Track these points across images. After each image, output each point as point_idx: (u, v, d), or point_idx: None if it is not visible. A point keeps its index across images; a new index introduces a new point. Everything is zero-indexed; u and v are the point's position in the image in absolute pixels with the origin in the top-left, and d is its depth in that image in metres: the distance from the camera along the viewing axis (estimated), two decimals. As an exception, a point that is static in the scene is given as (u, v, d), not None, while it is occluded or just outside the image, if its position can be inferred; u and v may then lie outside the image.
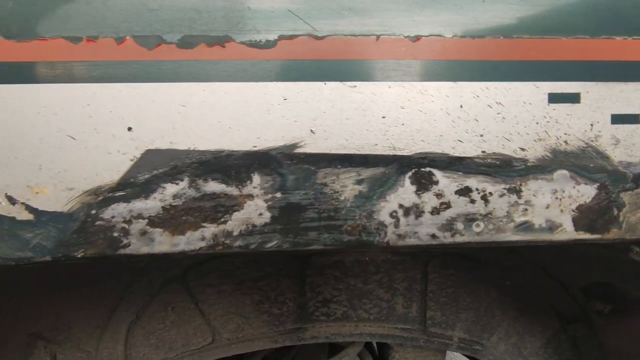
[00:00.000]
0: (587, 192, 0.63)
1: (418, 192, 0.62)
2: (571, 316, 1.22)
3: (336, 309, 1.13)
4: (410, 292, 1.17)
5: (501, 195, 0.62)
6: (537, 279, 1.20)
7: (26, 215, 0.60)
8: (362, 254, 1.14)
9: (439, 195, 0.62)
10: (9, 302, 0.98)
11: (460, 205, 0.62)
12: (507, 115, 0.61)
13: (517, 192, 0.62)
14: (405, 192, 0.62)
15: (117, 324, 1.03)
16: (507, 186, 0.62)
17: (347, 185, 0.61)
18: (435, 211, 0.62)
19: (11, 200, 0.60)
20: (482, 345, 1.22)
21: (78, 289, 1.01)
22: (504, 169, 0.61)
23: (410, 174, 0.62)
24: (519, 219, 0.62)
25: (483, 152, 0.61)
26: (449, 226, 0.62)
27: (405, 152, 0.61)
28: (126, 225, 0.60)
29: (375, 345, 1.53)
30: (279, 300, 1.07)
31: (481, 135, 0.61)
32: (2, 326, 1.01)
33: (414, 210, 0.62)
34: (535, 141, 0.62)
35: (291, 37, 0.61)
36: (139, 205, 0.60)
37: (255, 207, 0.61)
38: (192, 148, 0.60)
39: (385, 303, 1.16)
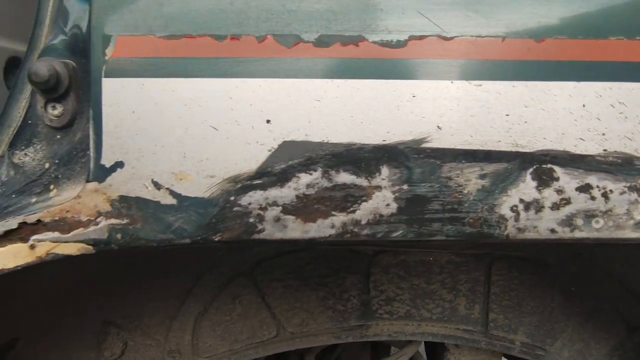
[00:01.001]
0: None
1: (539, 188, 0.64)
2: (639, 324, 1.22)
3: (399, 308, 1.15)
4: (473, 293, 1.18)
5: (622, 193, 0.64)
6: (604, 285, 1.20)
7: (170, 200, 0.65)
8: (427, 254, 1.16)
9: (559, 191, 0.64)
10: (85, 290, 1.03)
11: (580, 202, 0.64)
12: (629, 115, 0.63)
13: (638, 190, 0.64)
14: (526, 188, 0.64)
15: (185, 315, 1.07)
16: (628, 184, 0.64)
17: (470, 180, 0.64)
18: (555, 207, 0.64)
19: (157, 185, 0.65)
20: (545, 350, 1.22)
21: (150, 279, 1.05)
22: (625, 167, 0.63)
23: (531, 170, 0.64)
24: (638, 216, 0.64)
25: (604, 150, 0.64)
26: (568, 222, 0.64)
27: (527, 149, 0.64)
28: (261, 212, 0.64)
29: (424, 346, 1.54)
30: (343, 297, 1.09)
31: (603, 134, 0.63)
32: (78, 313, 1.06)
33: (534, 205, 0.64)
34: (657, 141, 0.64)
35: (421, 37, 0.64)
36: (274, 193, 0.64)
37: (382, 198, 0.64)
38: (325, 141, 0.64)
39: (447, 304, 1.17)
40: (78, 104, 0.72)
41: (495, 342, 1.19)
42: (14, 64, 1.41)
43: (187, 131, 0.64)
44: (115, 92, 0.64)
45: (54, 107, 0.73)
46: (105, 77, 0.65)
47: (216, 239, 0.65)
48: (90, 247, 0.66)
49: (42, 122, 0.74)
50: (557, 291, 1.19)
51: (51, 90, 0.70)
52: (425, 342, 1.41)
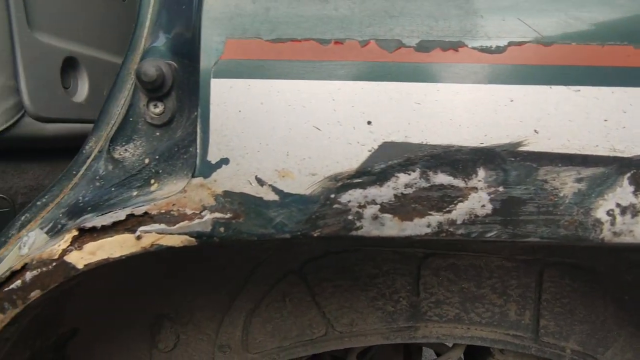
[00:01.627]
0: None
1: (636, 193, 0.65)
2: (694, 335, 1.20)
3: (449, 311, 1.16)
4: (524, 299, 1.18)
5: None
6: (659, 296, 1.18)
7: (272, 196, 0.68)
8: (477, 258, 1.16)
9: (657, 196, 0.65)
10: (140, 283, 1.07)
11: (677, 207, 0.65)
12: None
13: None
14: (623, 192, 0.65)
15: (237, 311, 1.10)
16: None
17: (566, 183, 0.65)
18: (652, 211, 0.65)
19: (260, 182, 0.68)
20: (595, 359, 1.21)
21: (204, 275, 1.08)
22: None
23: (629, 174, 0.65)
24: None
25: (703, 157, 0.64)
26: (665, 227, 0.65)
27: (625, 154, 0.65)
28: (360, 210, 0.67)
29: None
30: (393, 298, 1.10)
31: (702, 141, 0.64)
32: (132, 305, 1.10)
33: (630, 210, 0.65)
34: None
35: (520, 43, 0.66)
36: (373, 192, 0.67)
37: (478, 199, 0.66)
38: (424, 142, 0.66)
39: (497, 308, 1.17)
40: (178, 103, 0.76)
41: (545, 348, 1.19)
42: (69, 64, 1.47)
43: (290, 130, 0.67)
44: (223, 92, 0.68)
45: (155, 106, 0.77)
46: (214, 77, 0.68)
47: (315, 235, 0.67)
48: (194, 239, 0.70)
49: (142, 120, 0.78)
50: (609, 300, 1.19)
51: (156, 89, 0.74)
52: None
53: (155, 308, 1.11)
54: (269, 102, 0.67)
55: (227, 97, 0.68)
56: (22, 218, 0.81)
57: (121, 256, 0.71)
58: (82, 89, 1.51)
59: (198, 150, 0.69)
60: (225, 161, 0.68)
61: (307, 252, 1.06)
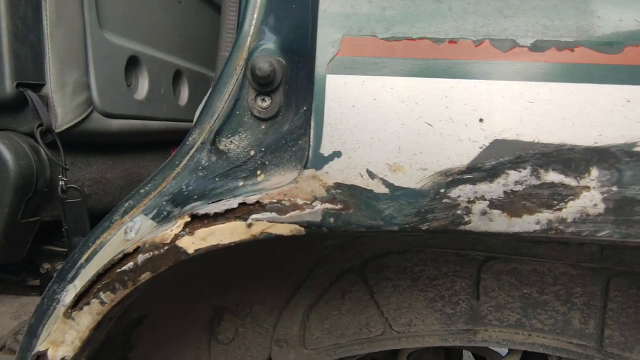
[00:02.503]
0: None
1: None
2: None
3: (509, 316, 1.15)
4: (589, 308, 1.16)
5: None
6: None
7: (382, 189, 0.70)
8: (541, 264, 1.15)
9: None
10: (202, 274, 1.10)
11: None
12: None
13: None
14: None
15: (295, 306, 1.12)
16: None
17: (683, 185, 0.65)
18: None
19: (371, 175, 0.70)
20: None
21: (264, 270, 1.11)
22: None
23: None
24: None
25: None
26: None
27: None
28: (469, 205, 0.68)
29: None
30: (452, 300, 1.10)
31: None
32: (195, 297, 1.14)
33: None
34: None
35: (637, 44, 0.66)
36: (483, 188, 0.68)
37: (590, 198, 0.67)
38: (536, 140, 0.67)
39: (561, 316, 1.15)
40: (285, 98, 0.79)
41: (609, 359, 1.17)
42: (132, 63, 1.53)
43: (403, 126, 0.69)
44: (338, 88, 0.70)
45: (263, 100, 0.80)
46: (329, 73, 0.71)
47: (423, 228, 0.69)
48: (303, 229, 0.73)
49: (249, 113, 0.82)
50: (678, 312, 1.15)
51: (267, 84, 0.77)
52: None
53: (217, 300, 1.15)
54: (382, 98, 0.70)
55: (341, 92, 0.70)
56: (125, 205, 0.86)
57: (230, 243, 0.75)
58: (143, 87, 1.58)
59: (310, 143, 0.72)
60: (337, 154, 0.71)
61: (369, 251, 1.07)
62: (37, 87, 1.18)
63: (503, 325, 1.14)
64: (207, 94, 0.88)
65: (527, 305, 1.12)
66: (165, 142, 1.94)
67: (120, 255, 0.75)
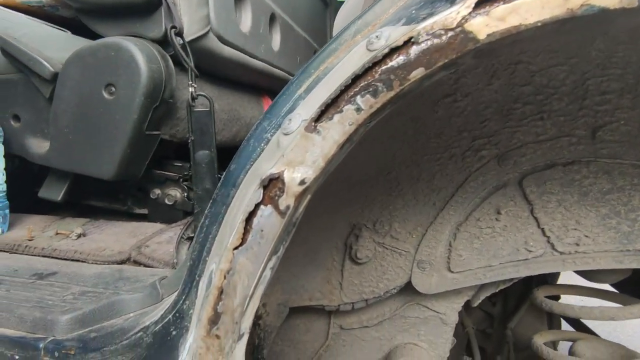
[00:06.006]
0: None
1: None
2: None
3: None
4: None
5: None
6: None
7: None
8: None
9: None
10: (341, 186, 0.99)
11: None
12: None
13: None
14: None
15: (441, 225, 0.99)
16: None
17: None
18: None
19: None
20: None
21: (409, 184, 0.99)
22: None
23: None
24: None
25: None
26: None
27: None
28: None
29: None
30: (629, 217, 0.95)
31: None
32: (330, 211, 1.03)
33: None
34: None
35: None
36: None
37: None
38: None
39: None
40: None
41: None
42: None
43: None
44: None
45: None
46: None
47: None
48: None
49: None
50: None
51: None
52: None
53: (355, 216, 1.05)
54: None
55: None
56: (357, 23, 0.70)
57: (536, 22, 0.57)
58: (246, 21, 1.53)
59: None
60: None
61: (529, 163, 0.96)
62: (167, -7, 1.13)
63: None
64: None
65: None
66: (258, 89, 1.89)
67: (386, 50, 0.56)
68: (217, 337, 0.56)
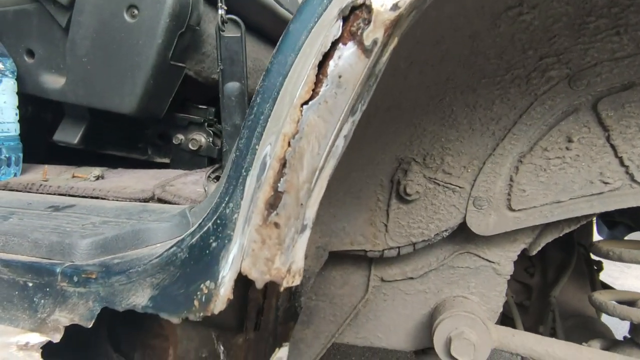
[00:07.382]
0: None
1: None
2: None
3: None
4: None
5: None
6: None
7: None
8: None
9: None
10: (388, 117, 0.90)
11: None
12: None
13: None
14: None
15: (501, 157, 0.89)
16: None
17: None
18: None
19: None
20: None
21: (464, 113, 0.88)
22: None
23: None
24: None
25: None
26: None
27: None
28: None
29: None
30: None
31: None
32: (374, 144, 0.93)
33: None
34: None
35: None
36: None
37: None
38: None
39: None
40: None
41: None
42: None
43: None
44: None
45: None
46: None
47: None
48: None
49: None
50: None
51: None
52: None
53: (402, 149, 0.94)
54: None
55: None
56: None
57: None
58: None
59: None
60: None
61: (604, 83, 0.84)
62: None
63: None
64: None
65: None
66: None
67: None
68: (276, 225, 0.46)
